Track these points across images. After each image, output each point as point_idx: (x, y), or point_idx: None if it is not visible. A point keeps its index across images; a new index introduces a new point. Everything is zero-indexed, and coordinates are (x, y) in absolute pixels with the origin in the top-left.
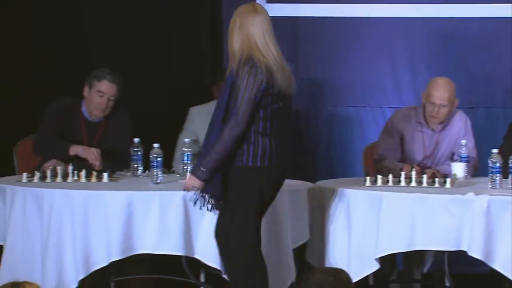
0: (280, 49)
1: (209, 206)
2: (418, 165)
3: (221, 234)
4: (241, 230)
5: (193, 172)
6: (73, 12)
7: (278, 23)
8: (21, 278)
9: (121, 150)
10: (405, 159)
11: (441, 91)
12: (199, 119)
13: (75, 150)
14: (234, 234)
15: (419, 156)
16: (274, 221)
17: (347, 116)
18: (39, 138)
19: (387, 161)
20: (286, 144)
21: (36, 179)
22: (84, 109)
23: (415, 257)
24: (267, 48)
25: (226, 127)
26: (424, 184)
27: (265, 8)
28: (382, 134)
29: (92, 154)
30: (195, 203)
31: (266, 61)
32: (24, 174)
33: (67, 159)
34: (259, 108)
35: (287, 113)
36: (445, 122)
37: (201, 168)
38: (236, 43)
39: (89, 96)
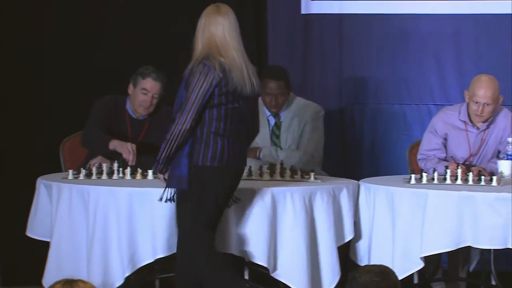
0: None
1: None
2: (463, 163)
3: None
4: (193, 224)
5: (156, 167)
6: (125, 11)
7: (323, 20)
8: (67, 275)
9: None
10: (450, 158)
11: (484, 89)
12: None
13: (113, 144)
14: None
15: (464, 155)
16: (313, 219)
17: (392, 113)
18: (86, 130)
19: (431, 161)
20: (243, 145)
21: (82, 176)
22: (128, 106)
23: (461, 255)
24: (227, 48)
25: (173, 123)
26: (470, 182)
27: (310, 5)
28: (426, 134)
29: (126, 149)
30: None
31: (222, 60)
32: (70, 171)
33: (111, 156)
34: (212, 107)
35: (246, 114)
36: (490, 120)
37: (158, 163)
38: (199, 43)
39: (133, 93)
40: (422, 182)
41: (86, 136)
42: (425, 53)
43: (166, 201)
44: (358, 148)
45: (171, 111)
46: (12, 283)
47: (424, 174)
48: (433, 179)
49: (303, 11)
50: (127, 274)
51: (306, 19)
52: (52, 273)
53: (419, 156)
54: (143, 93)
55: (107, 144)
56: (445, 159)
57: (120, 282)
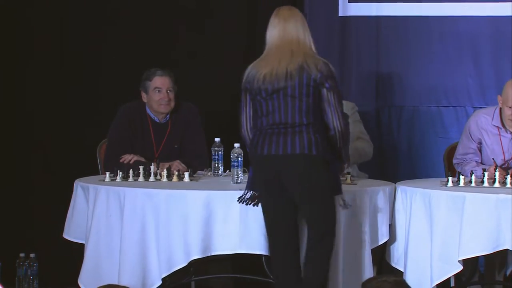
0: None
1: None
2: (501, 166)
3: None
4: None
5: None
6: (160, 15)
7: (360, 22)
8: (103, 276)
9: (195, 147)
10: (484, 163)
11: None
12: None
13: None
14: None
15: (498, 161)
16: (348, 221)
17: (429, 115)
18: (106, 157)
19: (469, 164)
20: None
21: (118, 178)
22: (149, 111)
23: (497, 259)
24: None
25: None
26: (508, 185)
27: (347, 7)
28: (461, 138)
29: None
30: None
31: None
32: (107, 174)
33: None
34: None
35: None
36: None
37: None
38: None
39: (148, 98)
40: (460, 185)
41: (107, 163)
42: (463, 55)
43: None
44: (394, 151)
45: (193, 108)
46: (47, 284)
47: (462, 177)
48: (470, 182)
49: (340, 13)
50: (164, 275)
51: (343, 21)
52: (88, 274)
53: (455, 161)
54: (157, 91)
55: (130, 165)
56: (481, 163)
57: (157, 283)
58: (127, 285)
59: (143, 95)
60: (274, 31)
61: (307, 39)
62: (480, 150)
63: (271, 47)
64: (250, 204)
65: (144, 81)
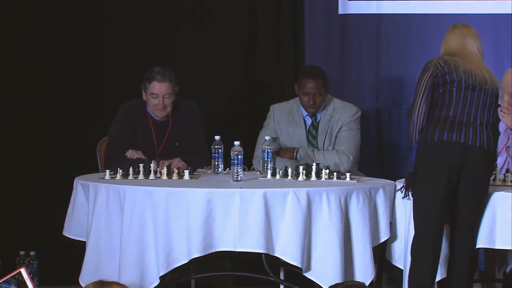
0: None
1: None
2: None
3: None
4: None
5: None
6: (163, 13)
7: (360, 20)
8: (104, 274)
9: (195, 145)
10: None
11: None
12: (279, 117)
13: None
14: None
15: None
16: (348, 220)
17: None
18: (107, 154)
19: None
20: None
21: (118, 176)
22: (149, 109)
23: (497, 256)
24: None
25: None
26: (508, 183)
27: (347, 5)
28: None
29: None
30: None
31: (447, 58)
32: (107, 171)
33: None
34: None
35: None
36: None
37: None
38: None
39: (147, 99)
40: None
41: (107, 161)
42: None
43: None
44: (394, 149)
45: (194, 107)
46: (47, 282)
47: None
48: None
49: (340, 11)
50: (161, 274)
51: (343, 19)
52: (89, 272)
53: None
54: (153, 97)
55: (130, 164)
56: None
57: (156, 282)
58: (126, 284)
59: (143, 93)
60: (455, 41)
61: (482, 54)
62: None
63: (457, 52)
64: None
65: (144, 81)
